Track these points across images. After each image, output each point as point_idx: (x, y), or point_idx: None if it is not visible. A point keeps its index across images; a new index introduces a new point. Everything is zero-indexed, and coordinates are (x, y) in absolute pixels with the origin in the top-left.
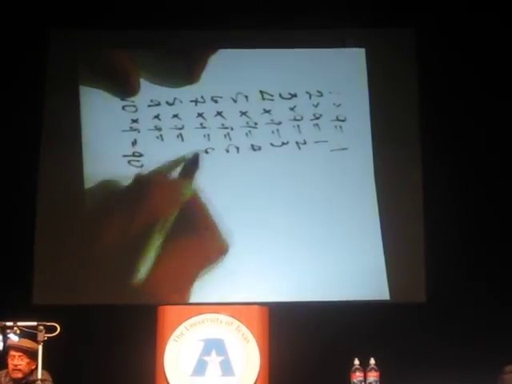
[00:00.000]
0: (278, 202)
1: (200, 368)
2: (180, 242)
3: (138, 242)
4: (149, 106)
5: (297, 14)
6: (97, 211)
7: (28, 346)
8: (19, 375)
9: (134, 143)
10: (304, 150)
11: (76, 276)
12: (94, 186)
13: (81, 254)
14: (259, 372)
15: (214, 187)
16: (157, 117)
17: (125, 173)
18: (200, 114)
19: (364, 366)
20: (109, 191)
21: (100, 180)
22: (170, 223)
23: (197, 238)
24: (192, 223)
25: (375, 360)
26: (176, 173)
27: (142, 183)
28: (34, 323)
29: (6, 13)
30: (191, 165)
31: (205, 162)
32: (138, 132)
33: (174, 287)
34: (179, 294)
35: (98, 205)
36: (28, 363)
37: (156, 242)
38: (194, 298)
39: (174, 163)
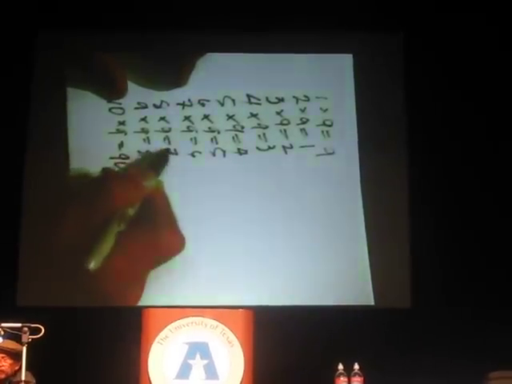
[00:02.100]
0: (264, 206)
1: (184, 371)
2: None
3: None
4: (136, 108)
5: (285, 18)
6: None
7: (11, 347)
8: (2, 376)
9: (121, 145)
10: (290, 154)
11: (60, 277)
12: (79, 188)
13: (65, 255)
14: (243, 376)
15: (199, 190)
16: (144, 119)
17: None
18: (187, 117)
19: (348, 371)
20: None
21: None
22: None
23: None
24: (153, 223)
25: (359, 365)
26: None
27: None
28: (19, 325)
29: None
30: (158, 159)
31: (191, 166)
32: (125, 134)
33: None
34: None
35: None
36: (11, 364)
37: (113, 236)
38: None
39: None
